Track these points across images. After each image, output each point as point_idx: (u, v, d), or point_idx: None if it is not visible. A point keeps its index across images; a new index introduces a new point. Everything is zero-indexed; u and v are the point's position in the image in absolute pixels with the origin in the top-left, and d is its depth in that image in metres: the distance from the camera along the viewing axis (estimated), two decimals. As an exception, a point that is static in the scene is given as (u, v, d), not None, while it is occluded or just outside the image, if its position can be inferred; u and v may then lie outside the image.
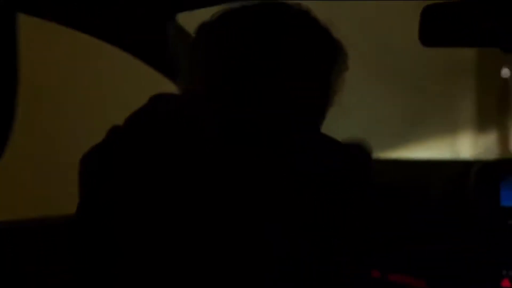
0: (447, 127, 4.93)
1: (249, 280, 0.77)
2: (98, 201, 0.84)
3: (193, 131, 0.81)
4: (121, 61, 1.55)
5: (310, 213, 0.78)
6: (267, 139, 0.80)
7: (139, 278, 0.80)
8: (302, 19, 0.91)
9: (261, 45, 0.85)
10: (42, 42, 2.22)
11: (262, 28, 0.86)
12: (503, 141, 5.88)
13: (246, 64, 0.84)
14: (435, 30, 1.13)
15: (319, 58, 0.92)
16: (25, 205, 1.81)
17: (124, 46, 1.36)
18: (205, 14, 1.00)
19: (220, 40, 0.87)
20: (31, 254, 1.17)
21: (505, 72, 5.87)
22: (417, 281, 1.41)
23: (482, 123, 5.55)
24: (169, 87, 1.47)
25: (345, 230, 0.81)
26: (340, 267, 0.82)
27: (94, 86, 2.48)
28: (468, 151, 5.25)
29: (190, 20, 1.41)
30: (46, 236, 1.23)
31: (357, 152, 0.88)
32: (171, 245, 0.79)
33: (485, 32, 1.12)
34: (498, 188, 1.50)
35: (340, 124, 1.20)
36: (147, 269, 0.80)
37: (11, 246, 1.17)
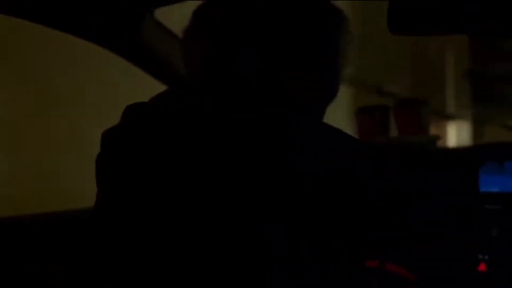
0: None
1: (249, 280, 0.77)
2: (108, 189, 0.85)
3: (192, 127, 0.80)
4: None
5: (310, 213, 0.78)
6: (267, 138, 0.80)
7: (139, 275, 0.81)
8: None
9: (263, 29, 0.83)
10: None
11: (263, 11, 0.84)
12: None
13: (247, 51, 0.83)
14: (404, 18, 1.13)
15: (325, 33, 0.89)
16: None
17: (100, 41, 1.34)
18: (181, 9, 0.99)
19: (216, 27, 0.85)
20: (30, 249, 1.16)
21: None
22: (393, 265, 1.43)
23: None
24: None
25: (345, 230, 0.80)
26: (340, 267, 0.82)
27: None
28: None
29: (168, 15, 1.41)
30: (46, 232, 1.23)
31: (358, 151, 0.87)
32: (170, 244, 0.79)
33: (456, 18, 1.12)
34: (477, 174, 1.51)
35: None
36: (146, 267, 0.80)
37: (10, 242, 1.16)
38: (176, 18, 1.02)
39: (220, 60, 0.83)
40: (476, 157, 1.52)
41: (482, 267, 1.46)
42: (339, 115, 1.82)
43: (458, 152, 1.59)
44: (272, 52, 0.84)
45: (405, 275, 1.36)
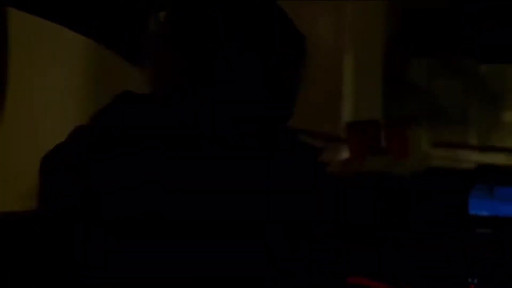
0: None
1: (249, 280, 0.78)
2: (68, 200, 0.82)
3: (172, 132, 0.81)
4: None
5: (310, 213, 0.80)
6: (267, 142, 0.82)
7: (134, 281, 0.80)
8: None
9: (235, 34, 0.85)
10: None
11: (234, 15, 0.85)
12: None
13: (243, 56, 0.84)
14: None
15: (292, 47, 0.90)
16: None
17: (105, 42, 1.34)
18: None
19: (188, 28, 0.85)
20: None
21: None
22: (385, 286, 1.43)
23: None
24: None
25: (345, 230, 0.83)
26: (340, 268, 0.83)
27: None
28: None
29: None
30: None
31: None
32: (164, 249, 0.79)
33: (461, 41, 1.15)
34: (467, 197, 1.53)
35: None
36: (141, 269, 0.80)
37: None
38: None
39: (213, 65, 0.83)
40: (466, 180, 1.55)
41: (471, 290, 1.48)
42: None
43: (448, 174, 1.61)
44: (267, 57, 0.85)
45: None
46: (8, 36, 1.09)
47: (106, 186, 0.81)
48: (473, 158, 3.16)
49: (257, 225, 0.78)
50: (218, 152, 0.80)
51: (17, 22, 1.36)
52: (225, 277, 0.78)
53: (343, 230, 0.82)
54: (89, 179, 0.82)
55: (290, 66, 0.90)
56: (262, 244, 0.78)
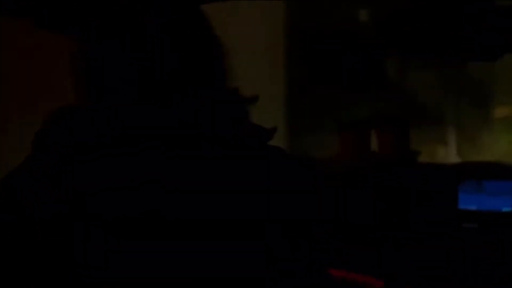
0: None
1: (249, 280, 0.79)
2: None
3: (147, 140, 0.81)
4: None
5: (310, 213, 0.81)
6: (263, 141, 0.83)
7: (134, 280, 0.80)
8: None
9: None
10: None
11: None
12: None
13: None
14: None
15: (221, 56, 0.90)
16: None
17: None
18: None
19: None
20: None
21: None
22: (373, 279, 1.45)
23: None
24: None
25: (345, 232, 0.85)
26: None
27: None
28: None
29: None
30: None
31: None
32: (162, 251, 0.79)
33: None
34: (456, 192, 1.55)
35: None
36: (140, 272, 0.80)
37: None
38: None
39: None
40: (455, 175, 1.57)
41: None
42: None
43: (438, 169, 1.63)
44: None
45: (365, 281, 1.40)
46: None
47: (106, 186, 0.80)
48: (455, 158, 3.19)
49: (257, 225, 0.78)
50: (218, 152, 0.80)
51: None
52: (225, 277, 0.78)
53: (343, 230, 0.83)
54: (86, 180, 0.81)
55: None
56: (262, 244, 0.78)
